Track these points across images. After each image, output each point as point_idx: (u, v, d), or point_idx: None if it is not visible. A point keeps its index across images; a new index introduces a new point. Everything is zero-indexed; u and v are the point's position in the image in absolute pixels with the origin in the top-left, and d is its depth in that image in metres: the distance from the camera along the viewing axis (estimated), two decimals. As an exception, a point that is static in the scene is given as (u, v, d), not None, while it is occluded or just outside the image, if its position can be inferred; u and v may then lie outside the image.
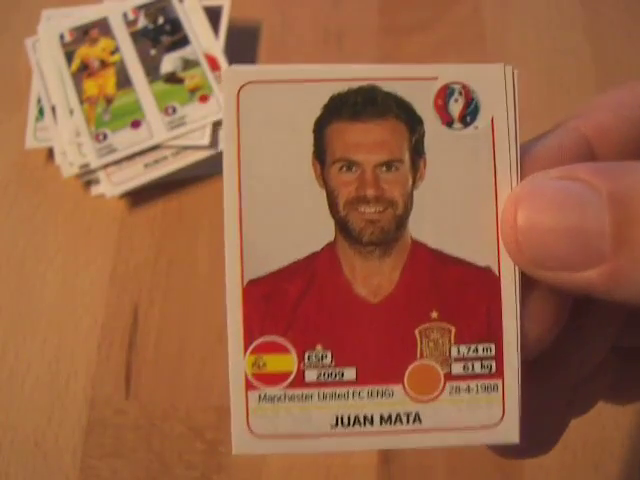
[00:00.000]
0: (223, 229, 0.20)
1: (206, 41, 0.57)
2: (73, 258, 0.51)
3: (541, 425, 0.22)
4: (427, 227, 0.20)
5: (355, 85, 0.20)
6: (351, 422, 0.20)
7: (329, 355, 0.20)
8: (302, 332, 0.20)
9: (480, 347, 0.20)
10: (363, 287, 0.20)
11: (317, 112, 0.20)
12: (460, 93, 0.20)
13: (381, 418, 0.20)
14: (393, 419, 0.20)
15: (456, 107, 0.20)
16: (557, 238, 0.18)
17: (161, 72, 0.55)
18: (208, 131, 0.53)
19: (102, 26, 0.57)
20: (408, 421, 0.20)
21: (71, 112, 0.54)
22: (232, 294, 0.19)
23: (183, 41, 0.56)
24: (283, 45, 0.61)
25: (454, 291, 0.20)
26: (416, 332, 0.20)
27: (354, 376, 0.20)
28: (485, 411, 0.20)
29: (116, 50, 0.56)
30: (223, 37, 0.57)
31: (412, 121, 0.20)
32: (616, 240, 0.17)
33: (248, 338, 0.19)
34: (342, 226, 0.20)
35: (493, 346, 0.20)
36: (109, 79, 0.55)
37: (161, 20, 0.57)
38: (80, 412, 0.46)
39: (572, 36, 0.60)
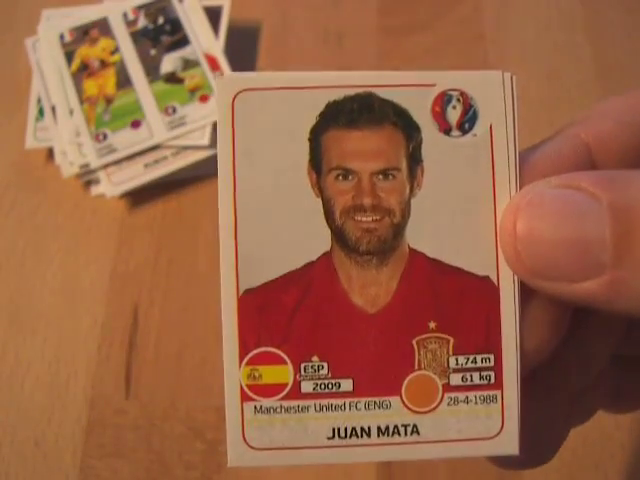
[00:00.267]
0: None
1: (206, 41, 0.56)
2: (73, 258, 0.51)
3: (540, 436, 0.21)
4: (425, 236, 0.19)
5: (351, 92, 0.19)
6: (348, 434, 0.19)
7: (325, 366, 0.19)
8: (298, 343, 0.19)
9: (479, 358, 0.20)
10: (360, 297, 0.20)
11: (313, 120, 0.19)
12: (458, 100, 0.20)
13: (378, 430, 0.19)
14: (391, 431, 0.19)
15: (454, 114, 0.20)
16: (557, 248, 0.17)
17: (161, 72, 0.55)
18: (208, 131, 0.53)
19: (102, 26, 0.57)
20: (406, 433, 0.19)
21: (71, 112, 0.54)
22: (227, 304, 0.19)
23: (183, 41, 0.56)
24: (283, 45, 0.61)
25: (452, 301, 0.19)
26: (414, 342, 0.19)
27: (351, 387, 0.19)
28: (484, 422, 0.19)
29: (116, 50, 0.56)
30: (223, 37, 0.57)
31: (409, 128, 0.20)
32: (616, 250, 0.17)
33: (243, 349, 0.19)
34: (338, 235, 0.20)
35: (492, 357, 0.19)
36: (109, 79, 0.55)
37: (161, 20, 0.57)
38: (80, 412, 0.46)
39: (572, 36, 0.60)
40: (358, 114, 0.19)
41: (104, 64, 0.56)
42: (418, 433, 0.19)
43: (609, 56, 0.59)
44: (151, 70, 0.55)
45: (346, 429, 0.19)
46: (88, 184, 0.54)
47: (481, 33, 0.61)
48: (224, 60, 0.56)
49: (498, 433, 0.19)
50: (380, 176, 0.20)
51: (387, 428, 0.19)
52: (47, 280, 0.51)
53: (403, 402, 0.20)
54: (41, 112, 0.55)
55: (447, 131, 0.20)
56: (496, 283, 0.19)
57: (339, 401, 0.19)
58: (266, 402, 0.19)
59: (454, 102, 0.20)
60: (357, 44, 0.60)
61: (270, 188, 0.19)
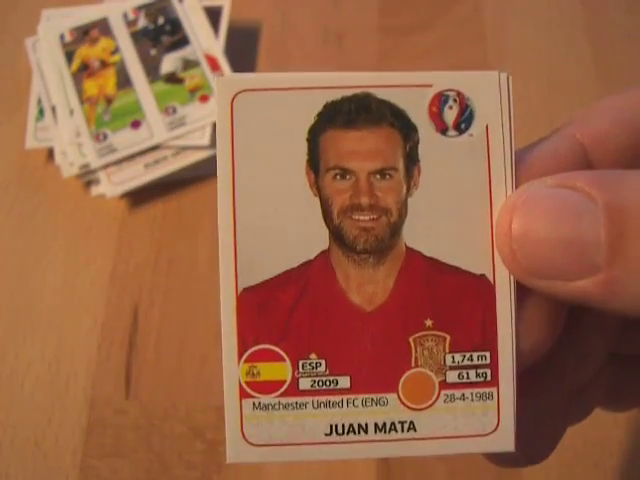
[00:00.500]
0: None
1: (206, 41, 0.57)
2: (73, 258, 0.52)
3: (536, 433, 0.22)
4: (422, 235, 0.20)
5: (349, 93, 0.20)
6: (345, 430, 0.20)
7: (323, 363, 0.20)
8: (296, 340, 0.20)
9: (475, 355, 0.20)
10: (357, 295, 0.20)
11: (311, 120, 0.20)
12: (455, 100, 0.20)
13: (376, 426, 0.20)
14: (388, 427, 0.20)
15: (451, 114, 0.20)
16: (552, 247, 0.18)
17: (161, 72, 0.55)
18: (208, 131, 0.53)
19: (102, 26, 0.57)
20: (403, 429, 0.20)
21: (71, 112, 0.54)
22: (226, 302, 0.19)
23: (183, 41, 0.56)
24: (283, 45, 0.61)
25: (449, 299, 0.20)
26: (410, 340, 0.20)
27: (348, 384, 0.20)
28: (480, 419, 0.20)
29: (116, 50, 0.56)
30: (223, 37, 0.57)
31: (406, 128, 0.20)
32: (611, 250, 0.17)
33: (242, 346, 0.19)
34: (336, 234, 0.20)
35: (488, 354, 0.20)
36: (109, 79, 0.55)
37: (161, 20, 0.57)
38: (80, 412, 0.46)
39: (572, 36, 0.60)
40: (356, 114, 0.20)
41: (104, 64, 0.56)
42: (415, 430, 0.20)
43: (609, 56, 0.59)
44: (151, 70, 0.55)
45: (343, 426, 0.20)
46: (88, 184, 0.54)
47: (481, 33, 0.61)
48: (224, 60, 0.56)
49: (494, 430, 0.20)
50: (377, 176, 0.20)
51: (384, 425, 0.20)
52: (47, 280, 0.51)
53: (400, 399, 0.20)
54: (41, 112, 0.55)
55: (444, 131, 0.20)
56: (492, 281, 0.20)
57: (337, 398, 0.20)
58: (265, 399, 0.20)
59: (451, 102, 0.20)
60: (357, 44, 0.60)
61: (269, 187, 0.20)
